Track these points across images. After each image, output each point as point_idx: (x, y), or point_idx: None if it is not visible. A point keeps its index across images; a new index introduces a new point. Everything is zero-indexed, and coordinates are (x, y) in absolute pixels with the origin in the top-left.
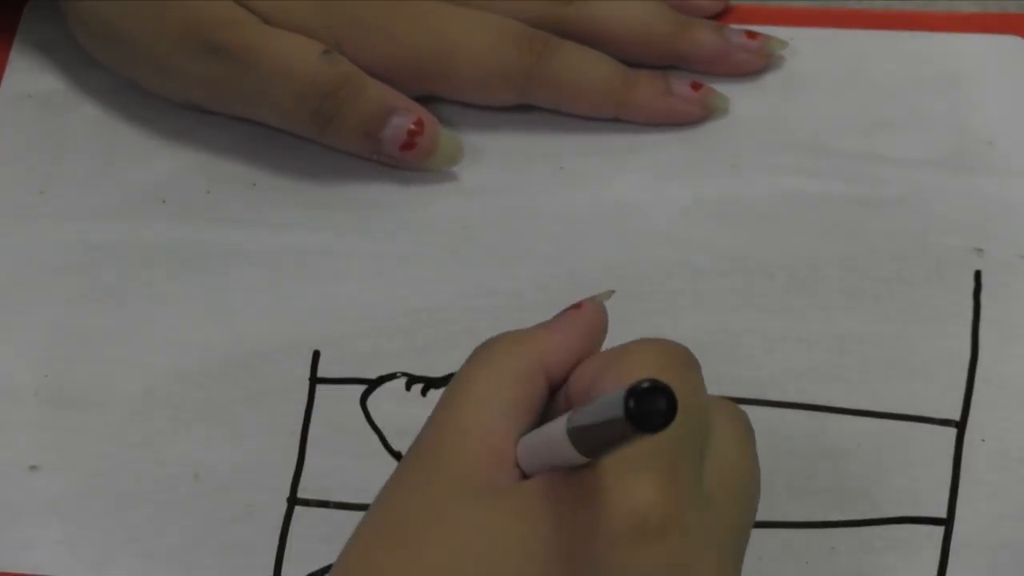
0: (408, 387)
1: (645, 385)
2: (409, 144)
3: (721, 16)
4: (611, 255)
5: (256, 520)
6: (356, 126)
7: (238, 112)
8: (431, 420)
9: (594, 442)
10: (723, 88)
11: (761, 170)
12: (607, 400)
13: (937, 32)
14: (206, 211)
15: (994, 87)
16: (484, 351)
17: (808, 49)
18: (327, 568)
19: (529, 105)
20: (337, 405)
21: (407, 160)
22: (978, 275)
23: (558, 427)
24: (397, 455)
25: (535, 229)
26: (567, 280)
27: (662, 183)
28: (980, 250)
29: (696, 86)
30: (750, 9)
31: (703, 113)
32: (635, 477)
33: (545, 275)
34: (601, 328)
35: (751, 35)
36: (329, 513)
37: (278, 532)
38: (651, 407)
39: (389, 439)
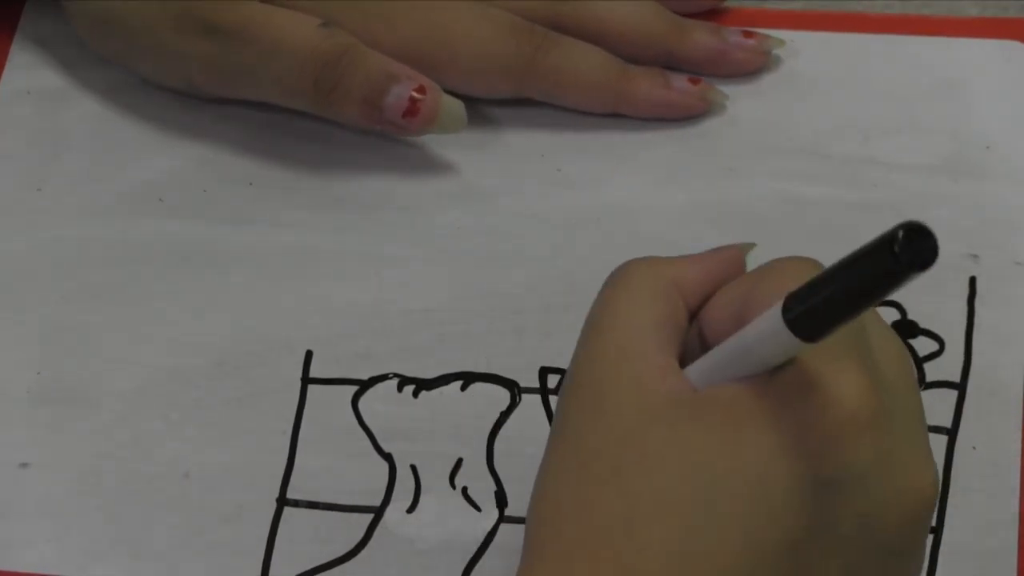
0: (400, 388)
1: (903, 230)
2: (412, 110)
3: (721, 19)
4: (607, 258)
5: (245, 520)
6: (358, 95)
7: (239, 92)
8: (583, 350)
9: (828, 317)
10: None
11: (758, 174)
12: (852, 261)
13: (937, 36)
14: (203, 210)
15: (993, 92)
16: (620, 275)
17: (807, 52)
18: (317, 568)
19: (528, 106)
20: (328, 406)
21: (411, 127)
22: (973, 281)
23: (762, 324)
24: (387, 456)
25: (531, 231)
26: (562, 282)
27: (659, 186)
28: (976, 256)
29: (694, 81)
30: (750, 12)
31: (702, 106)
32: (841, 370)
33: (540, 277)
34: (740, 266)
35: (748, 34)
36: (318, 514)
37: (267, 532)
38: (922, 243)
39: (380, 440)
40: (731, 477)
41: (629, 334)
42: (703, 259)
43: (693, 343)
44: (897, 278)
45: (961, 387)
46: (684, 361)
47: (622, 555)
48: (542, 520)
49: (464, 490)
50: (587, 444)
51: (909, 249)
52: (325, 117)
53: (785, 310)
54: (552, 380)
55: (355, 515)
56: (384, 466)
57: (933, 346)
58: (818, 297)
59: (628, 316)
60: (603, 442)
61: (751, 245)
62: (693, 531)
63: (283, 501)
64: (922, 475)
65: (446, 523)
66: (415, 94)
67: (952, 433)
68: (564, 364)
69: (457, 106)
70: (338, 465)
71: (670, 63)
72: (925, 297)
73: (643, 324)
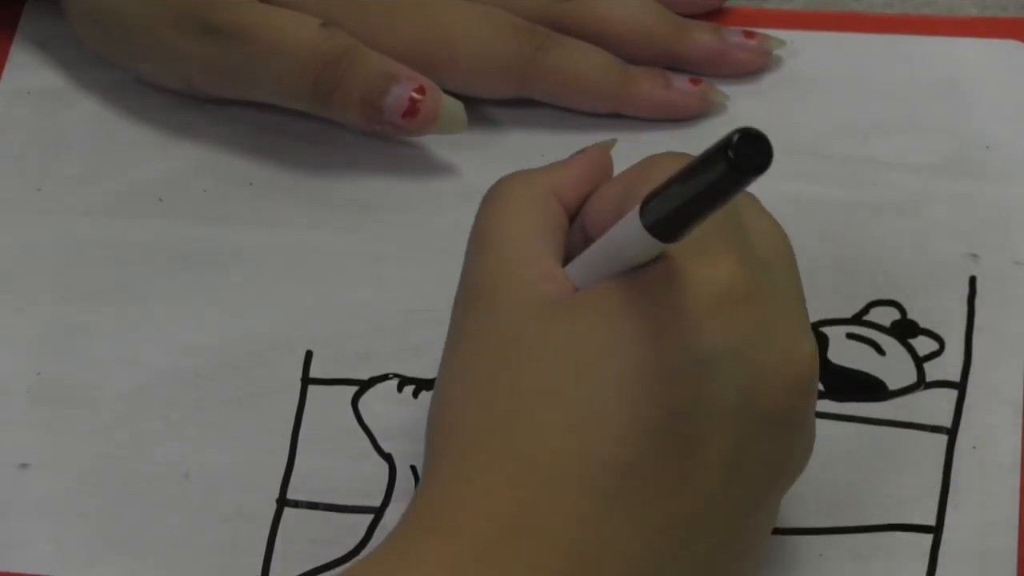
0: (400, 388)
1: (738, 136)
2: (412, 111)
3: (721, 19)
4: None
5: (245, 521)
6: (358, 95)
7: (239, 93)
8: (470, 264)
9: (681, 220)
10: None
11: None
12: (696, 166)
13: (936, 36)
14: (202, 210)
15: (993, 92)
16: (496, 190)
17: (807, 52)
18: (317, 569)
19: (528, 106)
20: (329, 406)
21: (411, 127)
22: (973, 281)
23: (626, 227)
24: (387, 456)
25: None
26: None
27: None
28: (976, 256)
29: (695, 81)
30: (750, 12)
31: (702, 106)
32: (710, 254)
33: None
34: (608, 164)
35: (749, 34)
36: (318, 515)
37: (267, 533)
38: (756, 149)
39: (380, 440)
40: (609, 364)
41: (512, 243)
42: (573, 163)
43: (577, 241)
44: (735, 182)
45: (961, 387)
46: (568, 260)
47: (515, 444)
48: (441, 421)
49: None
50: (476, 346)
51: (743, 154)
52: (325, 117)
53: (642, 213)
54: None
55: (355, 515)
56: (384, 466)
57: (933, 346)
58: (669, 201)
59: (510, 227)
60: (490, 343)
61: (612, 142)
62: (579, 417)
63: (283, 502)
64: (800, 347)
65: None
66: (415, 94)
67: (952, 433)
68: None
69: (457, 107)
70: (338, 465)
71: (671, 63)
72: (925, 297)
73: (524, 232)
